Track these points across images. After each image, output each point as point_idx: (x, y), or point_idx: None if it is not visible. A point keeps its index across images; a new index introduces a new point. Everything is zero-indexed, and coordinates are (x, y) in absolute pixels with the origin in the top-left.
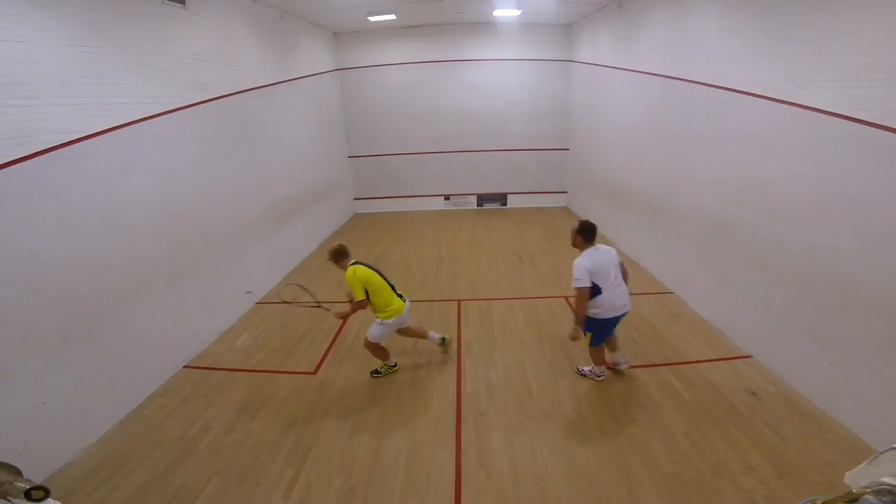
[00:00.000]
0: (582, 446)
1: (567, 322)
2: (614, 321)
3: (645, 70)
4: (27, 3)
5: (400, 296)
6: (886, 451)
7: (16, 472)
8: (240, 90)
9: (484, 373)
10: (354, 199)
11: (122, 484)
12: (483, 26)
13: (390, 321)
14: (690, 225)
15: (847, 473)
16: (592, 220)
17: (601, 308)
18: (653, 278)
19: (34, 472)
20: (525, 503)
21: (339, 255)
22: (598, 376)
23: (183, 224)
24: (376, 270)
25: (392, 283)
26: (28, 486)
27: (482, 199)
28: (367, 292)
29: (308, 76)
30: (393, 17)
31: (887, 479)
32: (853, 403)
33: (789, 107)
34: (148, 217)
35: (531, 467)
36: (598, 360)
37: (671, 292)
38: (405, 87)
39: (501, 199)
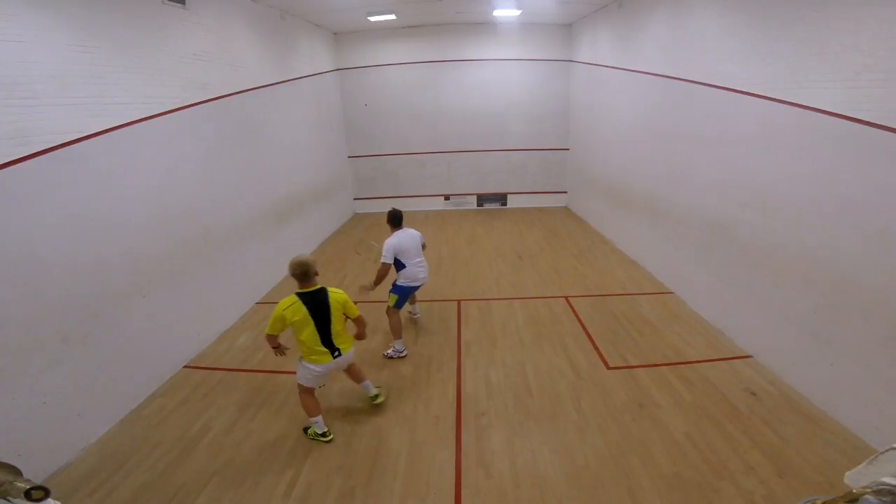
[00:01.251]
0: (582, 446)
1: (567, 321)
2: (414, 289)
3: (645, 70)
4: (27, 3)
5: (336, 349)
6: (886, 451)
7: (16, 472)
8: (240, 90)
9: (484, 373)
10: (354, 199)
11: (122, 484)
12: (483, 26)
13: (309, 366)
14: (690, 225)
15: (847, 473)
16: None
17: (405, 279)
18: (653, 278)
19: (34, 472)
20: (525, 503)
21: (307, 276)
22: (401, 352)
23: (183, 224)
24: (317, 313)
25: (330, 331)
26: (28, 486)
27: (482, 199)
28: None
29: (308, 76)
30: (393, 17)
31: (887, 479)
32: (853, 403)
33: (789, 107)
34: (148, 217)
35: (531, 467)
36: (396, 327)
37: (671, 292)
38: (405, 87)
39: (501, 199)
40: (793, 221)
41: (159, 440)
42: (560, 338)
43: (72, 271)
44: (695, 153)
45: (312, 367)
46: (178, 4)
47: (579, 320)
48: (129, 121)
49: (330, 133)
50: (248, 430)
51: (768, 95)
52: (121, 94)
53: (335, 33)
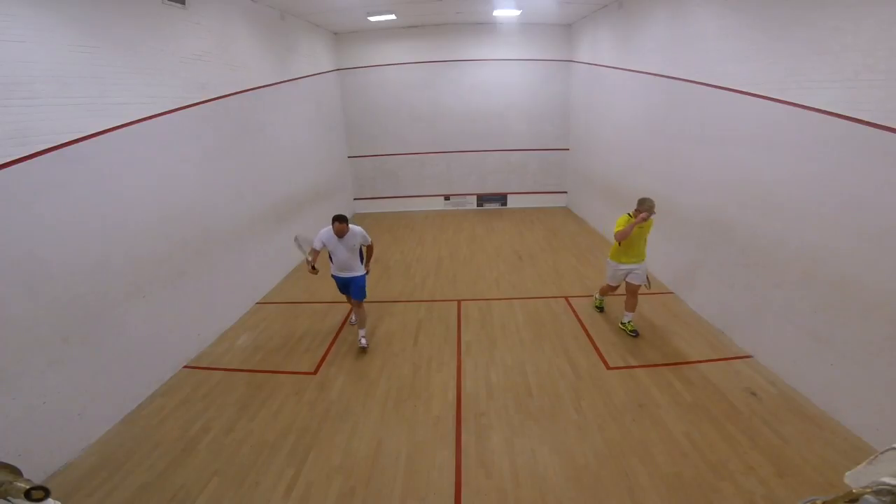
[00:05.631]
0: (582, 446)
1: (567, 321)
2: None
3: (645, 70)
4: (27, 3)
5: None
6: (886, 451)
7: (16, 472)
8: (240, 90)
9: (484, 373)
10: (354, 199)
11: (122, 484)
12: (483, 26)
13: (613, 263)
14: (690, 225)
15: (847, 473)
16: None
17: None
18: (653, 278)
19: (34, 472)
20: (525, 503)
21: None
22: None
23: (183, 224)
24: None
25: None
26: (28, 486)
27: (482, 199)
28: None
29: (308, 76)
30: (393, 17)
31: (887, 479)
32: (853, 403)
33: (789, 107)
34: (148, 217)
35: (531, 467)
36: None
37: (671, 292)
38: (405, 87)
39: (501, 199)
40: (793, 221)
41: (159, 440)
42: (560, 338)
43: (72, 271)
44: (695, 153)
45: (615, 263)
46: (178, 4)
47: (579, 320)
48: (129, 121)
49: (330, 133)
50: (248, 430)
51: (768, 95)
52: (121, 94)
53: (335, 33)
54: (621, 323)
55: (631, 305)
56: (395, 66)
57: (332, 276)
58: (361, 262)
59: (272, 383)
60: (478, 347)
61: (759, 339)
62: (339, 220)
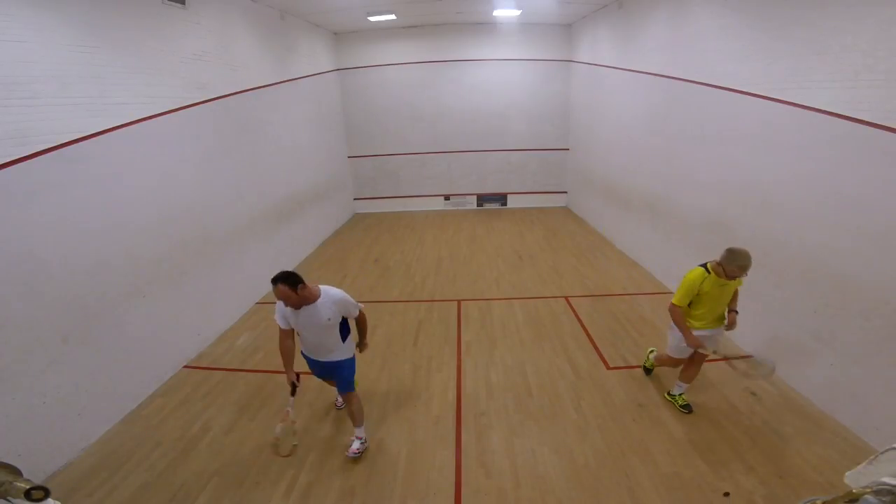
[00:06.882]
0: (582, 446)
1: (567, 321)
2: None
3: (645, 70)
4: (27, 3)
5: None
6: (886, 451)
7: (16, 472)
8: (240, 90)
9: (484, 373)
10: (354, 199)
11: (122, 484)
12: (483, 26)
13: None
14: (691, 225)
15: (847, 473)
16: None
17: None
18: (653, 278)
19: (34, 472)
20: (525, 503)
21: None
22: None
23: (183, 224)
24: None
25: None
26: (28, 486)
27: (482, 199)
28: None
29: (308, 76)
30: (393, 17)
31: (887, 479)
32: (853, 403)
33: (789, 107)
34: (148, 217)
35: (531, 467)
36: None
37: (671, 292)
38: (405, 87)
39: (501, 199)
40: (793, 221)
41: (159, 440)
42: (560, 338)
43: (72, 271)
44: (695, 153)
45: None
46: (178, 4)
47: (579, 320)
48: (129, 121)
49: (330, 133)
50: (248, 430)
51: (768, 95)
52: (121, 94)
53: (335, 33)
54: (668, 394)
55: (689, 376)
56: (395, 66)
57: (303, 356)
58: (344, 338)
59: (272, 383)
60: (478, 347)
61: (759, 339)
62: (281, 281)
